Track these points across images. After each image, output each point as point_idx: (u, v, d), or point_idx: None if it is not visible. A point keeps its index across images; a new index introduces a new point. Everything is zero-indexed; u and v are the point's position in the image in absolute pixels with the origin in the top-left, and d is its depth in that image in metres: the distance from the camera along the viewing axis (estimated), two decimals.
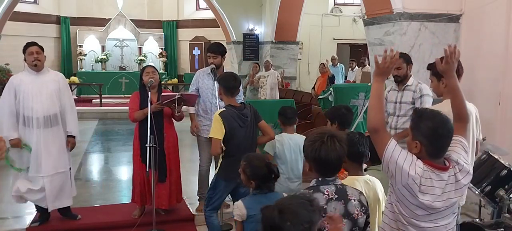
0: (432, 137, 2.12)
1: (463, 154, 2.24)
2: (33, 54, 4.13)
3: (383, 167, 2.22)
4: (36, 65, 4.14)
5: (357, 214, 2.15)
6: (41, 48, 4.25)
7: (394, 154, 2.15)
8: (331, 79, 10.20)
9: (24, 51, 4.16)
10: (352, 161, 2.62)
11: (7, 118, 4.09)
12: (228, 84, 3.66)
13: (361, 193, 2.26)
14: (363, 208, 2.18)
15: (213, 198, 3.74)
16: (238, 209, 2.78)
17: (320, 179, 2.17)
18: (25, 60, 4.18)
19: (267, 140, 3.82)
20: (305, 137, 4.10)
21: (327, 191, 2.13)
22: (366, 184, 2.61)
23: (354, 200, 2.16)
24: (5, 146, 2.08)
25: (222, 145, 3.56)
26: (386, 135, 2.24)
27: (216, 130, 3.53)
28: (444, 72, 2.34)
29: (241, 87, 4.96)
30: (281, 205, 1.71)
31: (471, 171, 2.23)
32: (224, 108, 3.64)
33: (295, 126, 4.18)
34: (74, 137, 4.38)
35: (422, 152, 2.16)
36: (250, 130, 3.66)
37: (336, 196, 2.13)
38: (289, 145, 3.89)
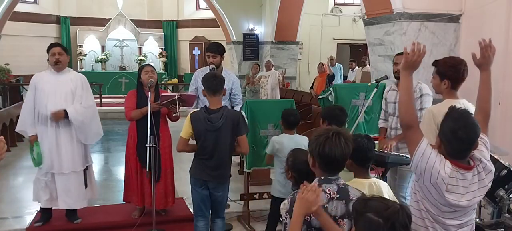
0: (451, 137, 2.14)
1: (485, 151, 2.24)
2: (55, 55, 4.24)
3: (412, 164, 2.21)
4: (57, 64, 4.23)
5: None
6: (65, 49, 4.36)
7: (426, 152, 2.16)
8: (331, 78, 10.17)
9: (47, 51, 4.29)
10: (358, 165, 2.60)
11: (29, 114, 4.25)
12: (207, 84, 3.62)
13: (363, 194, 2.23)
14: None
15: (192, 198, 3.81)
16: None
17: (322, 177, 2.16)
18: (48, 60, 4.31)
19: (238, 151, 3.78)
20: (305, 137, 4.13)
21: (328, 190, 2.12)
22: (370, 186, 2.59)
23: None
24: (5, 146, 2.14)
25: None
26: (419, 132, 2.22)
27: (184, 129, 3.62)
28: (480, 65, 2.43)
29: (239, 88, 4.97)
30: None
31: (493, 170, 2.24)
32: (198, 109, 3.67)
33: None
34: (66, 112, 4.15)
35: (442, 150, 2.18)
36: (220, 136, 3.55)
37: (338, 195, 2.12)
38: (289, 145, 3.90)
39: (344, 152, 2.11)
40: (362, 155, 2.56)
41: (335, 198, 2.12)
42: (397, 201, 2.71)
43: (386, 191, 2.64)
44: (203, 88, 3.69)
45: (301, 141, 3.95)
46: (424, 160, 2.15)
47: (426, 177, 2.15)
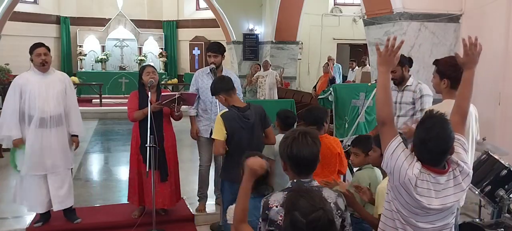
0: (420, 147, 2.10)
1: (462, 153, 2.18)
2: (40, 55, 4.16)
3: (384, 161, 2.19)
4: (43, 65, 4.18)
5: None
6: (48, 49, 4.29)
7: (397, 151, 2.12)
8: (332, 80, 10.23)
9: (31, 52, 4.20)
10: None
11: (12, 117, 4.13)
12: (220, 87, 3.64)
13: (339, 195, 2.19)
14: (338, 211, 2.12)
15: (224, 201, 3.73)
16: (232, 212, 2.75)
17: (295, 180, 2.15)
18: (31, 60, 4.22)
19: (267, 143, 3.75)
20: None
21: None
22: None
23: (330, 203, 2.08)
24: None
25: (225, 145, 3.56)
26: (392, 130, 2.19)
27: (218, 131, 3.52)
28: (464, 64, 2.35)
29: (240, 87, 4.98)
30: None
31: (471, 173, 2.19)
32: (227, 110, 3.62)
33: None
34: (77, 136, 4.44)
35: (415, 154, 2.15)
36: (254, 132, 3.58)
37: None
38: None
39: (312, 150, 2.10)
40: None
41: None
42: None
43: None
44: (220, 96, 3.65)
45: None
46: (393, 159, 2.12)
47: (395, 176, 2.12)
